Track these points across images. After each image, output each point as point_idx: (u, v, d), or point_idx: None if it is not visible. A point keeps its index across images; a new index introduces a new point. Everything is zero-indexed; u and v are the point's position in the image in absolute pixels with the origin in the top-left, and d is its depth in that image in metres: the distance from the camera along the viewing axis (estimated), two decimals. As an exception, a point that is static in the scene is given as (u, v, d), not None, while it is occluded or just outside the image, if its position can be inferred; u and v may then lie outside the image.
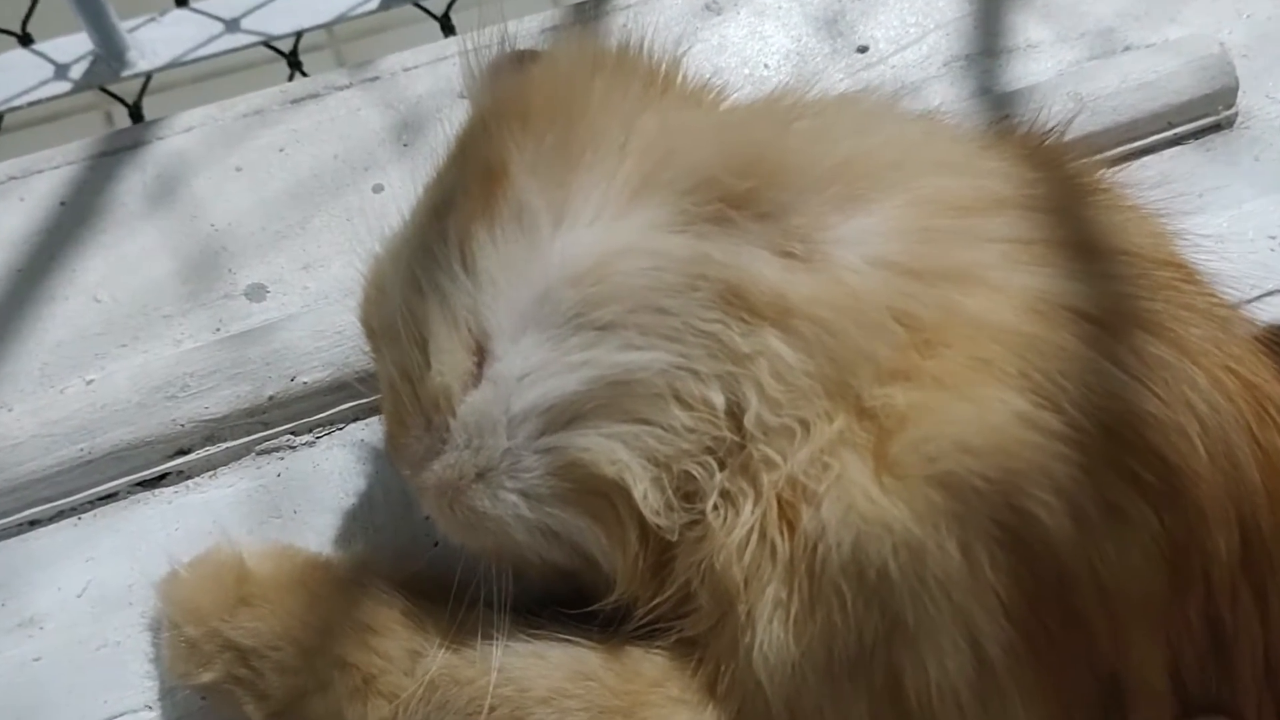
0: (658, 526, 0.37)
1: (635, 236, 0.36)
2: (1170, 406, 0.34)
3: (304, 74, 0.74)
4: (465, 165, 0.40)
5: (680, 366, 0.36)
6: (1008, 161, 0.40)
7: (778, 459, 0.35)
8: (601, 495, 0.37)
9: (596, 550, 0.38)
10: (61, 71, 0.67)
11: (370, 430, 0.50)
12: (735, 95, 0.43)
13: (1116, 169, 0.45)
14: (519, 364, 0.37)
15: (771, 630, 0.35)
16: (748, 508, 0.36)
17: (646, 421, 0.36)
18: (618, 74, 0.40)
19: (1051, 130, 0.44)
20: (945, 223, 0.37)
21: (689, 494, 0.37)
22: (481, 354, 0.37)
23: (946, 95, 0.55)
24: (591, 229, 0.36)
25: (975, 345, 0.35)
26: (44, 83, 0.67)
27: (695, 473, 0.36)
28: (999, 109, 0.54)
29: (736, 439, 0.36)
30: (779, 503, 0.35)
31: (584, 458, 0.36)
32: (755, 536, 0.35)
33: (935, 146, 0.40)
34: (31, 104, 0.68)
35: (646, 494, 0.36)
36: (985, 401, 0.34)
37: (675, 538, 0.37)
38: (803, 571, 0.35)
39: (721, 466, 0.36)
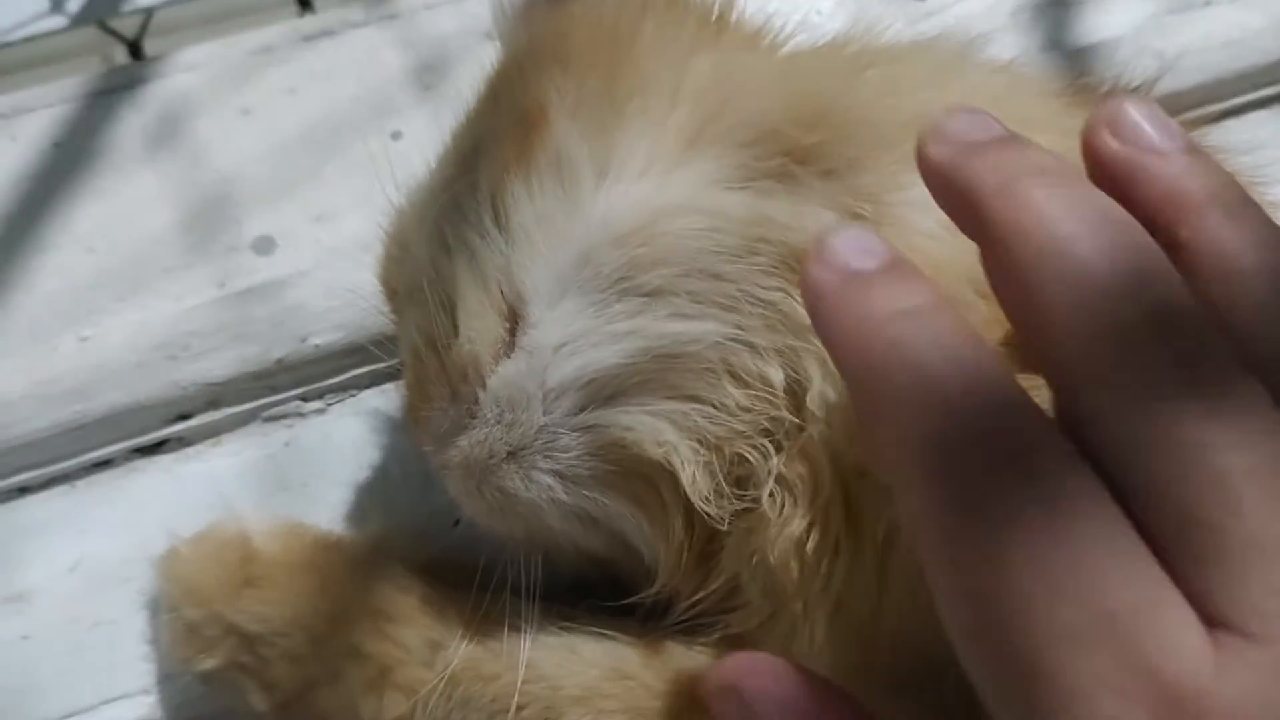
0: (706, 514, 0.34)
1: (688, 193, 0.33)
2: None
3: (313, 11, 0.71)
4: (498, 111, 0.37)
5: (735, 339, 0.33)
6: (1096, 119, 0.37)
7: (842, 443, 0.32)
8: (645, 479, 0.34)
9: (637, 538, 0.36)
10: (58, 4, 0.64)
11: (386, 398, 0.47)
12: (793, 41, 0.39)
13: (1197, 133, 0.41)
14: (557, 332, 0.34)
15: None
16: (807, 496, 0.33)
17: (697, 399, 0.33)
18: (669, 12, 0.37)
19: (1137, 89, 0.41)
20: None
21: (741, 479, 0.34)
22: (515, 319, 0.34)
23: (1013, 48, 0.52)
24: (640, 183, 0.33)
25: None
26: (39, 17, 0.64)
27: (749, 456, 0.33)
28: (1071, 64, 0.50)
29: (796, 420, 0.33)
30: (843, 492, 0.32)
31: (627, 437, 0.34)
32: (816, 529, 0.32)
33: (1019, 101, 0.37)
34: (26, 39, 0.66)
35: (695, 478, 0.33)
36: None
37: (725, 527, 0.34)
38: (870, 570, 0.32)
39: (778, 450, 0.33)
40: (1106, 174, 0.28)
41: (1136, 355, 0.24)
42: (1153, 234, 0.26)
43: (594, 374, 0.33)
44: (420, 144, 0.40)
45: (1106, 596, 0.22)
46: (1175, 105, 0.41)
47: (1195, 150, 0.28)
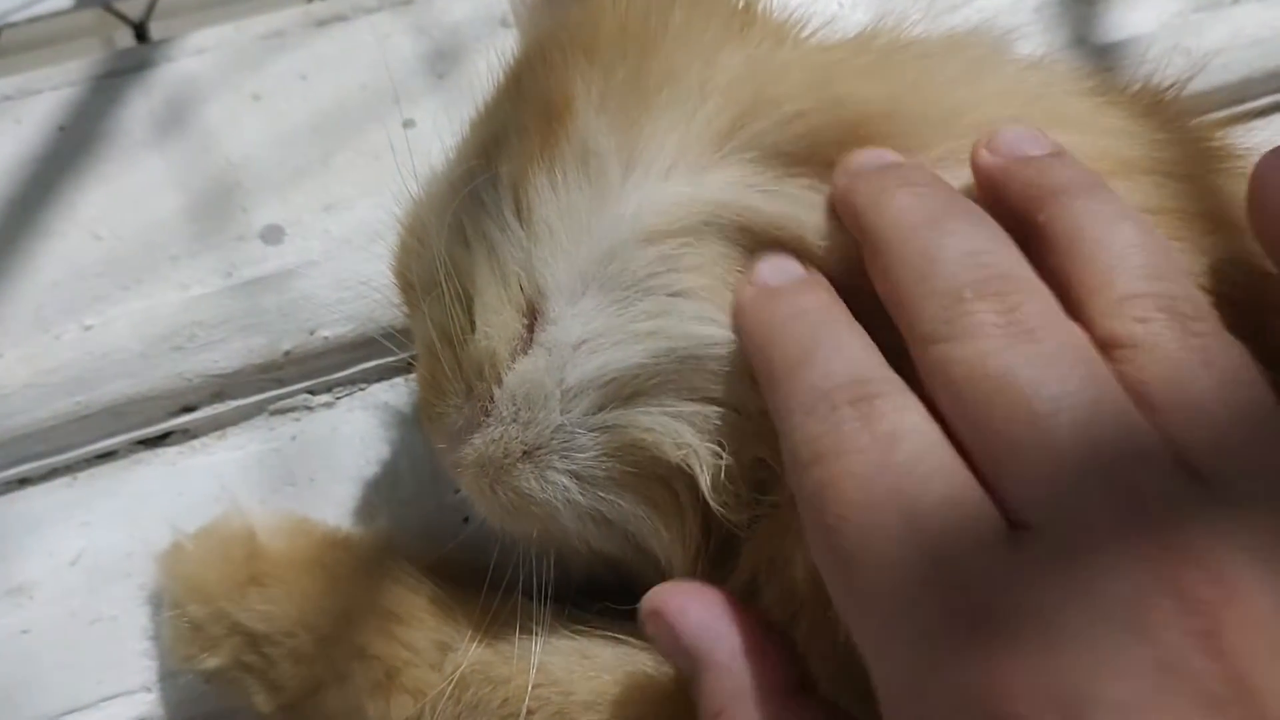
0: (724, 519, 0.33)
1: (719, 194, 0.32)
2: None
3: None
4: (521, 101, 0.36)
5: None
6: (1131, 119, 0.36)
7: None
8: (662, 481, 0.34)
9: (653, 541, 0.35)
10: (63, -15, 0.63)
11: (396, 392, 0.46)
12: (820, 33, 0.38)
13: (1224, 133, 0.41)
14: (577, 329, 0.33)
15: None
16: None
17: (718, 402, 0.32)
18: (697, 3, 0.36)
19: (1169, 87, 0.40)
20: None
21: (761, 483, 0.33)
22: (534, 315, 0.33)
23: (1038, 45, 0.51)
24: (669, 179, 0.32)
25: None
26: (44, -3, 0.63)
27: (770, 460, 0.32)
28: (1097, 62, 0.49)
29: None
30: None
31: (646, 439, 0.33)
32: None
33: (1054, 99, 0.36)
34: (31, 20, 0.64)
35: (714, 482, 0.32)
36: None
37: (743, 532, 0.33)
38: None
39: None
40: (983, 184, 0.31)
41: (963, 310, 0.27)
42: (1019, 228, 0.30)
43: (614, 373, 0.32)
44: (433, 133, 0.40)
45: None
46: (1202, 104, 0.40)
47: (1060, 154, 0.31)
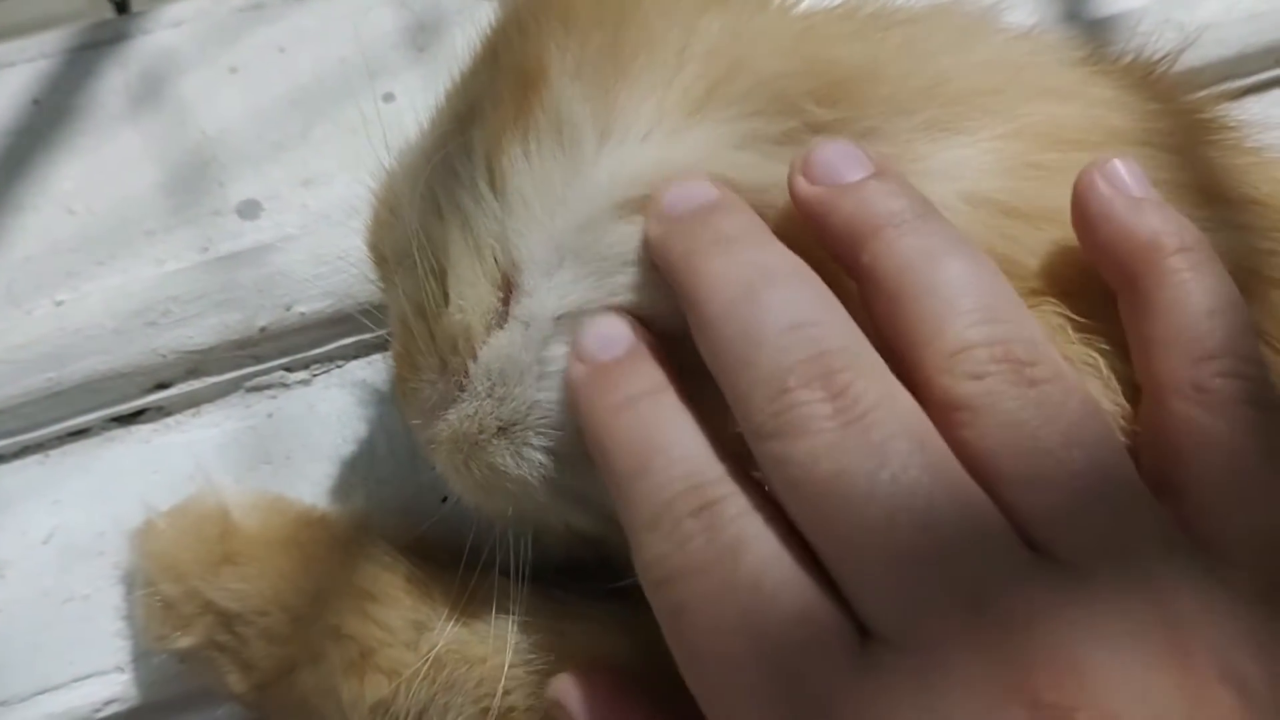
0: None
1: (695, 156, 0.31)
2: None
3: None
4: (496, 69, 0.35)
5: None
6: (1122, 90, 0.35)
7: None
8: None
9: (629, 519, 0.34)
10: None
11: (374, 369, 0.46)
12: (803, 2, 0.38)
13: (1219, 108, 0.40)
14: (554, 302, 0.32)
15: None
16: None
17: (698, 377, 0.32)
18: (675, -32, 0.35)
19: (1160, 60, 0.39)
20: (1054, 157, 0.32)
21: (738, 457, 0.32)
22: (509, 288, 0.33)
23: (1028, 20, 0.50)
24: (644, 146, 0.31)
25: None
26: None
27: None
28: (1090, 36, 0.49)
29: None
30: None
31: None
32: None
33: (1043, 69, 0.35)
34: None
35: None
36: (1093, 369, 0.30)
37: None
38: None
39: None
40: (804, 216, 0.30)
41: (789, 402, 0.26)
42: (847, 267, 0.29)
43: None
44: (413, 106, 0.38)
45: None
46: (1195, 79, 0.39)
47: (883, 175, 0.30)
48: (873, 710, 0.24)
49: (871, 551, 0.25)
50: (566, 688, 0.32)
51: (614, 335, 0.30)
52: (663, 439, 0.28)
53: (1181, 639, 0.24)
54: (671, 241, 0.29)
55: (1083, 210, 0.30)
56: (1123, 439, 0.28)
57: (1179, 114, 0.36)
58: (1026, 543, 0.25)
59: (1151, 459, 0.28)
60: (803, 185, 0.30)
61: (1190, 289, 0.28)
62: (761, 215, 0.31)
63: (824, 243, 0.30)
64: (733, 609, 0.26)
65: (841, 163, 0.29)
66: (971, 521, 0.25)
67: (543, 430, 0.33)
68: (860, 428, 0.26)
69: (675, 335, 0.30)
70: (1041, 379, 0.27)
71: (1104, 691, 0.23)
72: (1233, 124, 0.37)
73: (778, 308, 0.27)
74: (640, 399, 0.29)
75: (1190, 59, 0.42)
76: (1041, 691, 0.23)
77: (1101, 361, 0.30)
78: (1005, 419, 0.26)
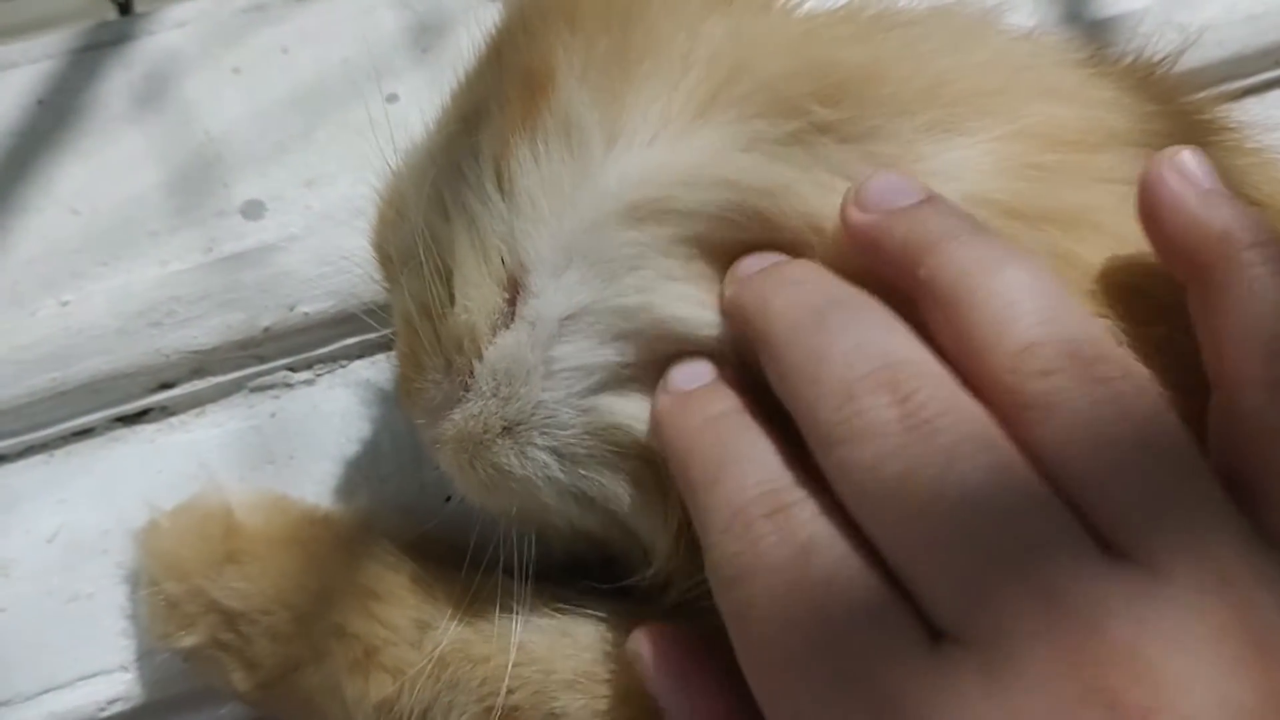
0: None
1: (701, 159, 0.31)
2: None
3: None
4: (502, 71, 0.35)
5: None
6: (1122, 92, 0.36)
7: None
8: (645, 459, 0.33)
9: (634, 519, 0.34)
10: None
11: (377, 369, 0.46)
12: (806, 4, 0.38)
13: (1219, 110, 0.40)
14: (560, 303, 0.32)
15: None
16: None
17: None
18: (680, -28, 0.35)
19: (1160, 61, 0.39)
20: (1054, 158, 0.33)
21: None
22: (516, 289, 0.33)
23: (1028, 22, 0.50)
24: (651, 149, 0.32)
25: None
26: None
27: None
28: (1091, 37, 0.49)
29: None
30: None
31: (633, 424, 0.33)
32: None
33: (1043, 70, 0.35)
34: (11, -4, 0.64)
35: None
36: None
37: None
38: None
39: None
40: (858, 245, 0.30)
41: (856, 409, 0.27)
42: (899, 287, 0.29)
43: (597, 347, 0.32)
44: (416, 107, 0.39)
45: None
46: (1195, 80, 0.40)
47: (932, 199, 0.30)
48: (944, 707, 0.24)
49: (941, 551, 0.25)
50: (641, 642, 0.33)
51: (698, 370, 0.31)
52: (739, 450, 0.29)
53: (1260, 640, 0.24)
54: (746, 295, 0.31)
55: (1152, 201, 0.30)
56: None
57: (1178, 115, 0.36)
58: (1100, 542, 0.25)
59: (1222, 455, 0.28)
60: (856, 215, 0.30)
61: (1265, 284, 0.28)
62: (771, 220, 0.31)
63: (879, 269, 0.30)
64: (804, 606, 0.26)
65: (895, 190, 0.30)
66: (1042, 520, 0.25)
67: (548, 430, 0.33)
68: (927, 431, 0.26)
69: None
70: (1110, 376, 0.26)
71: (1182, 695, 0.23)
72: (1232, 125, 0.37)
73: (842, 327, 0.28)
74: (719, 418, 0.30)
75: (1190, 60, 0.43)
76: (1120, 692, 0.23)
77: None
78: (1075, 417, 0.26)
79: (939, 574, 0.25)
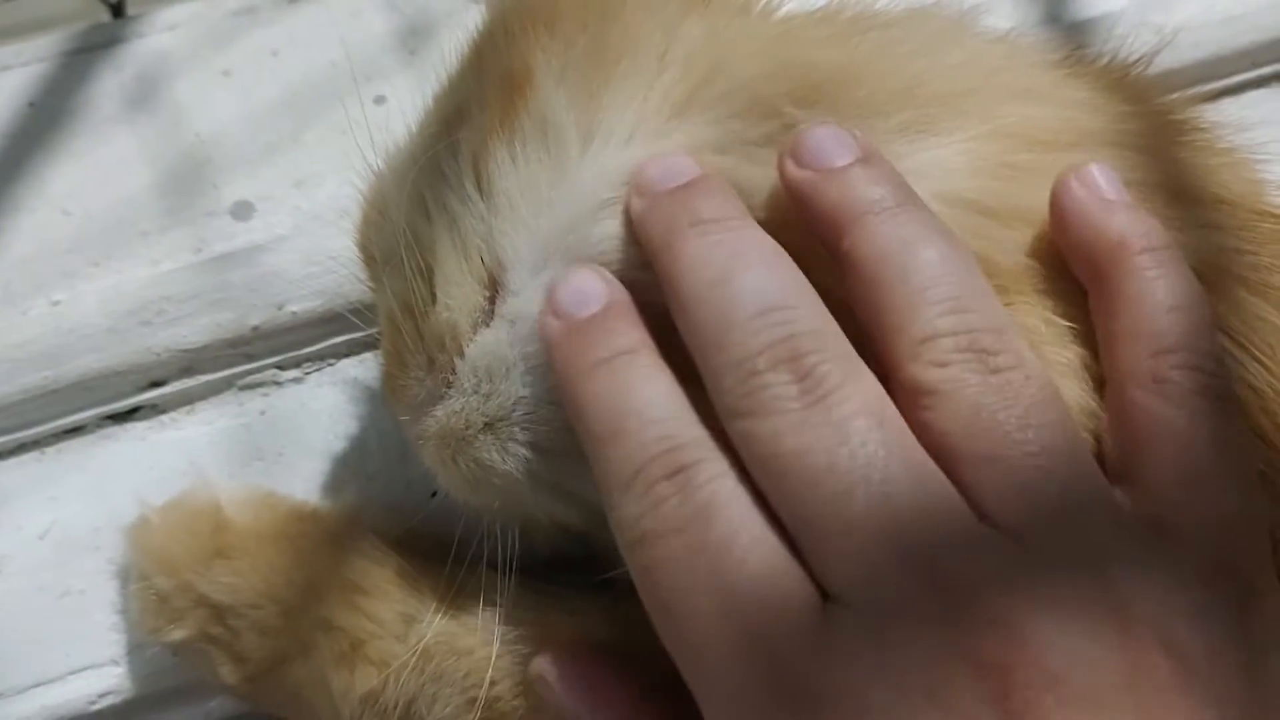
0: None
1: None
2: (1275, 373, 0.31)
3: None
4: (482, 73, 0.36)
5: None
6: (1095, 92, 0.36)
7: None
8: None
9: (614, 513, 0.34)
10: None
11: (365, 367, 0.46)
12: (785, 6, 0.38)
13: (1195, 110, 0.40)
14: (539, 302, 0.32)
15: None
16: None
17: (683, 374, 0.32)
18: (658, -26, 0.35)
19: (1135, 62, 0.40)
20: (1028, 158, 0.33)
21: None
22: (495, 287, 0.33)
23: (1005, 24, 0.50)
24: (627, 149, 0.32)
25: None
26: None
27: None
28: (1068, 39, 0.49)
29: None
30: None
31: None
32: None
33: (1017, 71, 0.36)
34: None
35: None
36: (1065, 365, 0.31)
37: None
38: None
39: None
40: (793, 200, 0.31)
41: (758, 384, 0.28)
42: (829, 251, 0.30)
43: None
44: (404, 109, 0.39)
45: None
46: (1171, 82, 0.40)
47: (869, 159, 0.30)
48: (829, 667, 0.25)
49: (831, 522, 0.26)
50: (546, 664, 0.33)
51: (590, 291, 0.30)
52: (638, 401, 0.29)
53: (1123, 609, 0.26)
54: (652, 219, 0.30)
55: (1058, 210, 0.31)
56: (1083, 427, 0.30)
57: (1151, 115, 0.36)
58: (980, 517, 0.27)
59: (1112, 445, 0.29)
60: (791, 169, 0.30)
61: (1153, 286, 0.30)
62: None
63: (810, 227, 0.31)
64: (704, 569, 0.27)
65: (830, 147, 0.30)
66: (925, 494, 0.27)
67: (528, 426, 0.33)
68: (823, 408, 0.27)
69: (656, 303, 0.31)
70: (1004, 366, 0.28)
71: (1044, 653, 0.25)
72: (1205, 125, 0.38)
73: (749, 292, 0.28)
74: (616, 359, 0.30)
75: (1166, 61, 0.43)
76: (985, 651, 0.25)
77: (1072, 356, 0.31)
78: (965, 403, 0.27)
79: (829, 544, 0.26)
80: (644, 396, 0.29)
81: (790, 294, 0.29)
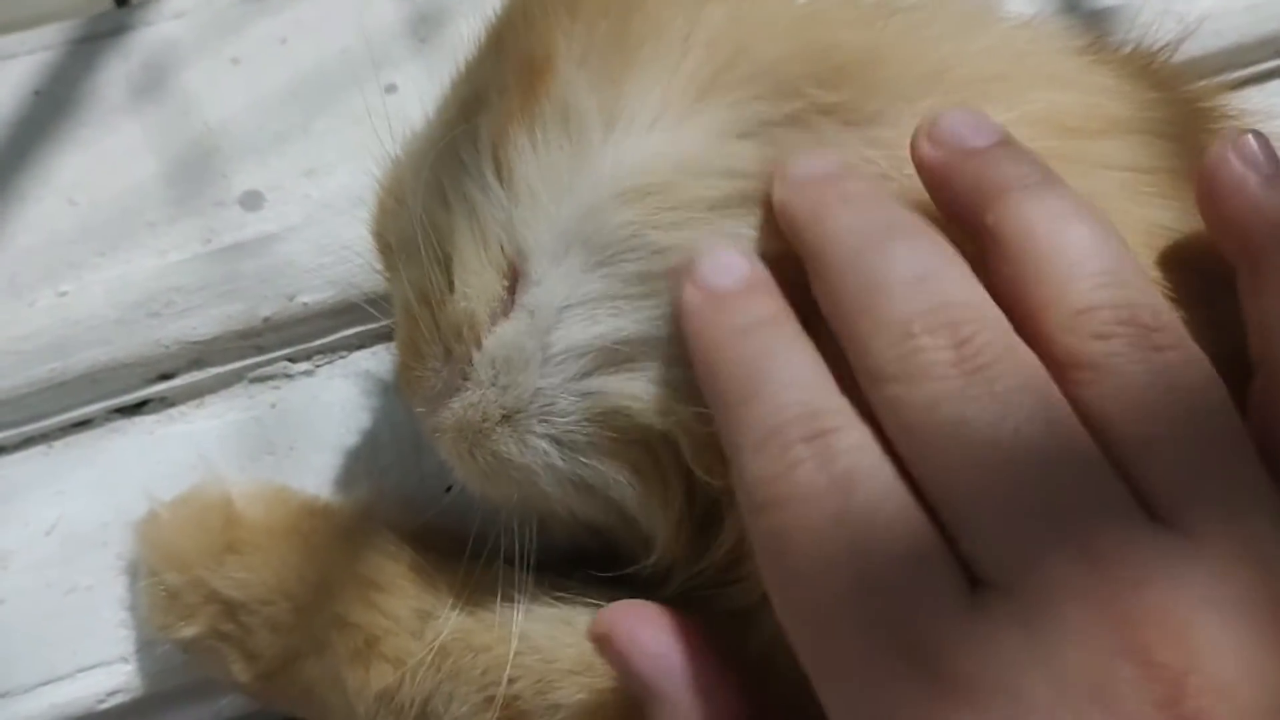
0: (708, 485, 0.32)
1: (701, 144, 0.31)
2: None
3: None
4: (502, 58, 0.35)
5: None
6: (1122, 79, 0.35)
7: None
8: (646, 446, 0.33)
9: (635, 507, 0.34)
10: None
11: (378, 359, 0.46)
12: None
13: (1218, 99, 0.40)
14: (560, 291, 0.32)
15: None
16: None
17: None
18: (680, -44, 0.35)
19: (1160, 50, 0.39)
20: (1055, 144, 0.32)
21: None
22: (515, 277, 0.33)
23: (1028, 9, 0.50)
24: (651, 135, 0.31)
25: None
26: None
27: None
28: (1089, 27, 0.48)
29: None
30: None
31: (631, 405, 0.32)
32: None
33: (1044, 57, 0.35)
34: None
35: (697, 449, 0.32)
36: None
37: (728, 499, 0.32)
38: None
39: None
40: (928, 181, 0.30)
41: (913, 348, 0.26)
42: (968, 229, 0.29)
43: (600, 338, 0.32)
44: (416, 97, 0.39)
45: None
46: (1194, 70, 0.39)
47: (1007, 142, 0.29)
48: (980, 654, 0.24)
49: (990, 500, 0.25)
50: (612, 617, 0.31)
51: (734, 264, 0.29)
52: (780, 365, 0.28)
53: None
54: (798, 201, 0.29)
55: (1213, 181, 0.30)
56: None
57: (1179, 103, 0.36)
58: (1142, 505, 0.25)
59: (1262, 434, 0.28)
60: (927, 149, 0.29)
61: None
62: (767, 203, 0.31)
63: (946, 207, 0.29)
64: (842, 541, 0.25)
65: (967, 129, 0.29)
66: (1091, 479, 0.25)
67: (547, 418, 0.33)
68: (984, 378, 0.26)
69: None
70: (1165, 345, 0.26)
71: (1216, 660, 0.23)
72: (1232, 113, 0.37)
73: (903, 259, 0.27)
74: (758, 326, 0.28)
75: (1189, 49, 0.43)
76: (1152, 649, 0.23)
77: None
78: (1127, 381, 0.26)
79: (986, 523, 0.25)
80: (785, 361, 0.28)
81: (944, 264, 0.28)
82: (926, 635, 0.24)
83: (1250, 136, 0.30)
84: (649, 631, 0.30)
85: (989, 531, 0.25)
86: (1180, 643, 0.23)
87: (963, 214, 0.29)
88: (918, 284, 0.27)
